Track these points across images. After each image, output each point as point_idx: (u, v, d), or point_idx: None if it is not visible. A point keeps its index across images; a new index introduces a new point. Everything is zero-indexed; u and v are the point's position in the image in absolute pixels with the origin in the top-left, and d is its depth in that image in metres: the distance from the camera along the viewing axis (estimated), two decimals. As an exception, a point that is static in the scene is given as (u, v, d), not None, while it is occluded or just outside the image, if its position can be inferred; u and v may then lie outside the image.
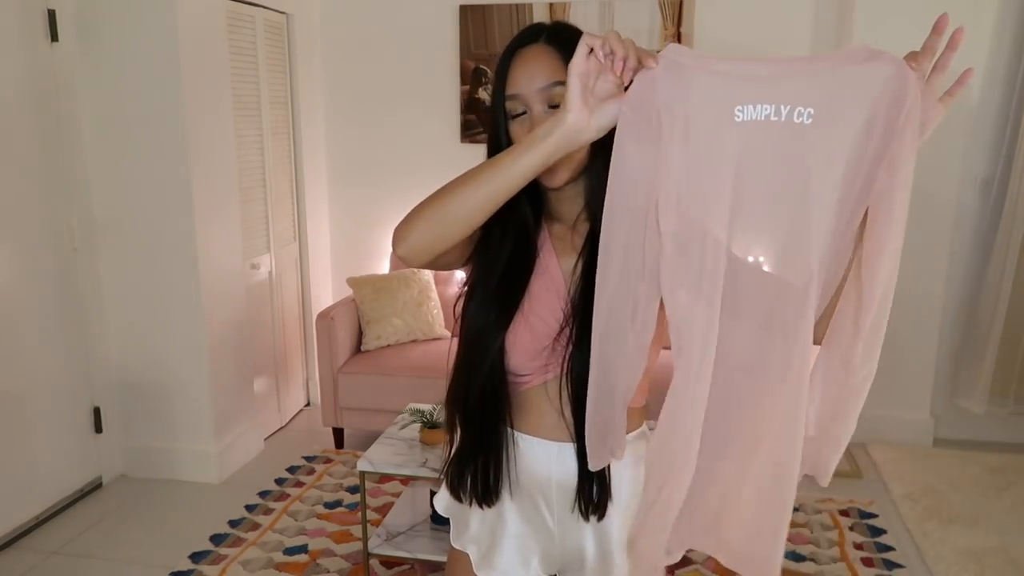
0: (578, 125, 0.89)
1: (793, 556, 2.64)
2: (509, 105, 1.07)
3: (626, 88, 0.89)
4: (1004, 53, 3.31)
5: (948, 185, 3.33)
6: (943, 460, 3.36)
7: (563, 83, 0.94)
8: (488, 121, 1.13)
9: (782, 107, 0.84)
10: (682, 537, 0.99)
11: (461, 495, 1.21)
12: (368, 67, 3.86)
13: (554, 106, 1.04)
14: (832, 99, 0.85)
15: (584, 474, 1.13)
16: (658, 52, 0.87)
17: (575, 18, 3.59)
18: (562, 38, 1.06)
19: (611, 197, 0.90)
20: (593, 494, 1.14)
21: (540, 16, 3.61)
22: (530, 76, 1.05)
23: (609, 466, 1.12)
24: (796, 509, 2.96)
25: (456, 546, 1.26)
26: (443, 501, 1.30)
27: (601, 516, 1.16)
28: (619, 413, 0.99)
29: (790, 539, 2.74)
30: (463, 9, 3.69)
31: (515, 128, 1.08)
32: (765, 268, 0.89)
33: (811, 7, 3.45)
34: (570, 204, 1.15)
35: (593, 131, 0.90)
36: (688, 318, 0.89)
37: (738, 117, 0.85)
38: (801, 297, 0.87)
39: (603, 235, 0.92)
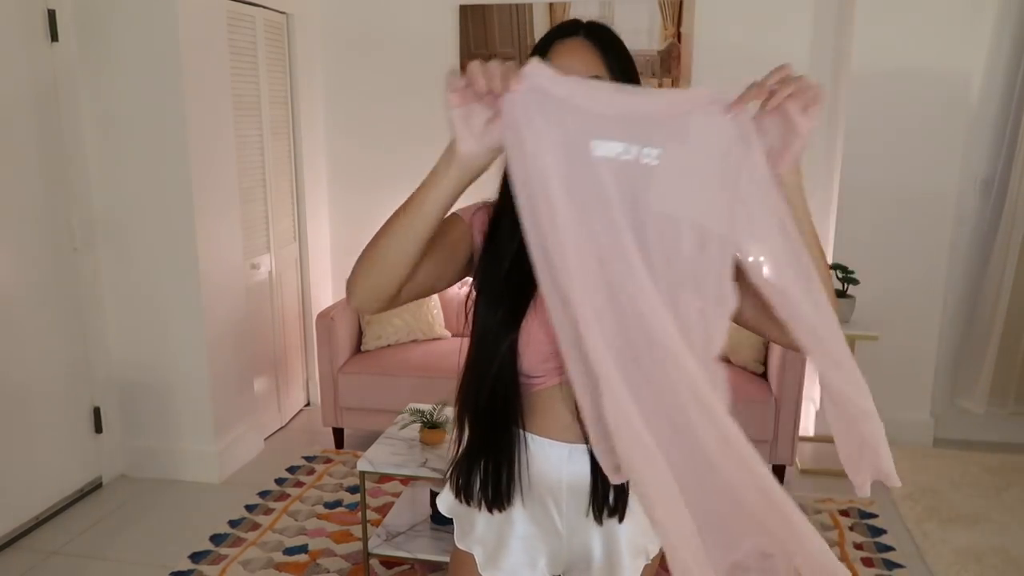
0: (470, 154, 0.92)
1: (793, 556, 2.64)
2: None
3: None
4: (1004, 53, 3.31)
5: (948, 185, 3.33)
6: (943, 460, 3.36)
7: (599, 78, 1.01)
8: None
9: (631, 146, 0.87)
10: (723, 558, 0.95)
11: (469, 499, 1.20)
12: (368, 67, 3.86)
13: None
14: (675, 141, 0.87)
15: (597, 477, 1.13)
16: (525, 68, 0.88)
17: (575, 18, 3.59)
18: (600, 35, 1.08)
19: (520, 213, 0.91)
20: (609, 498, 1.13)
21: (540, 16, 3.61)
22: (569, 67, 1.04)
23: None
24: (796, 509, 2.96)
25: (461, 547, 1.25)
26: (447, 501, 1.29)
27: (621, 518, 1.15)
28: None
29: (790, 539, 2.74)
30: (463, 9, 3.69)
31: None
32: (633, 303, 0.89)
33: (811, 7, 3.45)
34: None
35: (486, 155, 0.92)
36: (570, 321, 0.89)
37: (596, 152, 0.87)
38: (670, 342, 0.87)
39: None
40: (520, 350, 1.12)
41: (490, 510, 1.19)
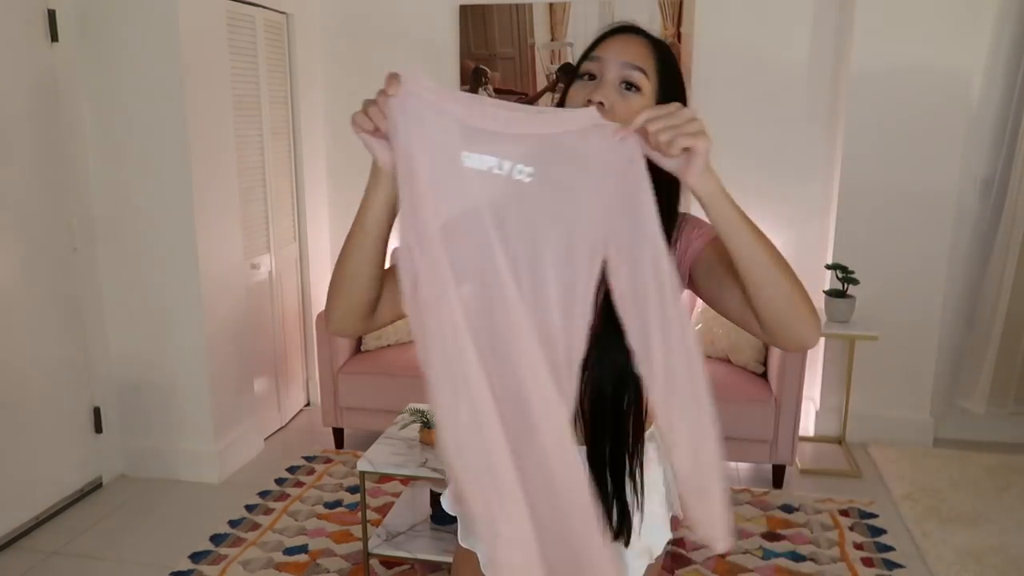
0: (391, 163, 0.95)
1: (793, 556, 2.64)
2: (585, 66, 1.08)
3: None
4: (1004, 53, 3.31)
5: (948, 185, 3.33)
6: (943, 460, 3.36)
7: (644, 71, 1.03)
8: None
9: (504, 162, 0.90)
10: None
11: None
12: (368, 67, 3.86)
13: (626, 84, 1.05)
14: (551, 161, 0.90)
15: (606, 491, 1.10)
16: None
17: (575, 18, 3.59)
18: (658, 43, 1.10)
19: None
20: (612, 518, 1.11)
21: (540, 16, 3.61)
22: (620, 49, 1.07)
23: (624, 484, 1.10)
24: (796, 509, 2.96)
25: (464, 545, 1.25)
26: (450, 500, 1.29)
27: (627, 542, 1.13)
28: None
29: (790, 539, 2.74)
30: (463, 9, 3.69)
31: (575, 89, 1.09)
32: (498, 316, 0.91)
33: (811, 7, 3.45)
34: None
35: None
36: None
37: (466, 163, 0.90)
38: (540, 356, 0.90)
39: None
40: None
41: None
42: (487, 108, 0.91)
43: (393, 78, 0.90)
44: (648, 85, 1.05)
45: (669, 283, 0.90)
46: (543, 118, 0.93)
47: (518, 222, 0.92)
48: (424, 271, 0.88)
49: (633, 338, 0.92)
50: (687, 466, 0.95)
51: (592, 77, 1.07)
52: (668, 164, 0.91)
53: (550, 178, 0.91)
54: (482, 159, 0.90)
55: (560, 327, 0.92)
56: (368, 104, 0.93)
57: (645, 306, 0.91)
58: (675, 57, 1.11)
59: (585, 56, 1.09)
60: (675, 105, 0.89)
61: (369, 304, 1.06)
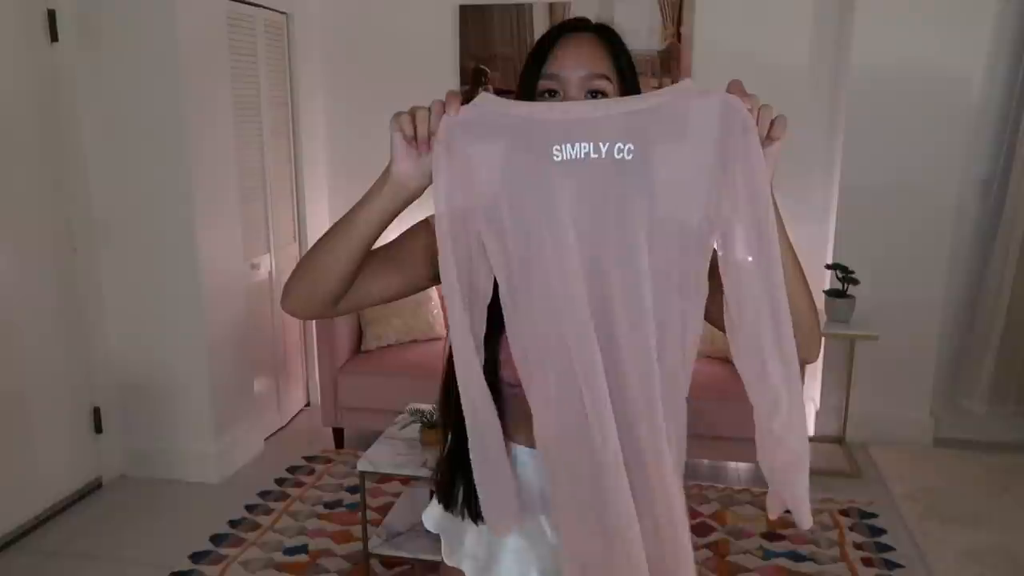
0: (404, 174, 0.94)
1: (793, 556, 2.64)
2: (544, 83, 1.04)
3: None
4: (1004, 53, 3.31)
5: (948, 185, 3.32)
6: (943, 460, 3.36)
7: (607, 77, 1.01)
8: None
9: (600, 144, 0.87)
10: None
11: (451, 507, 1.16)
12: (368, 67, 3.86)
13: (593, 93, 1.02)
14: (651, 134, 0.87)
15: None
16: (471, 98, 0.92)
17: (575, 18, 3.59)
18: (609, 35, 1.07)
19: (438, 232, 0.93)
20: None
21: (540, 16, 3.61)
22: (577, 61, 1.03)
23: None
24: (796, 509, 2.96)
25: (449, 563, 1.21)
26: (433, 518, 1.24)
27: None
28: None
29: (790, 539, 2.74)
30: (463, 9, 3.69)
31: None
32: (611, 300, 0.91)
33: (811, 7, 3.45)
34: None
35: (421, 179, 0.95)
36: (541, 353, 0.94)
37: (556, 156, 0.88)
38: (639, 333, 0.90)
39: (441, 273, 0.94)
40: (503, 359, 1.06)
41: (475, 520, 1.14)
42: (556, 108, 0.90)
43: (453, 95, 0.90)
44: (612, 88, 1.03)
45: (773, 251, 0.88)
46: (628, 98, 0.90)
47: (621, 203, 0.88)
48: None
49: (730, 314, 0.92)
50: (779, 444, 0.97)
51: (553, 93, 1.03)
52: None
53: (654, 153, 0.87)
54: (576, 147, 0.87)
55: (679, 318, 0.91)
56: (417, 109, 0.92)
57: (752, 284, 0.89)
58: (625, 44, 1.08)
59: (536, 68, 1.04)
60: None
61: (334, 297, 1.03)
